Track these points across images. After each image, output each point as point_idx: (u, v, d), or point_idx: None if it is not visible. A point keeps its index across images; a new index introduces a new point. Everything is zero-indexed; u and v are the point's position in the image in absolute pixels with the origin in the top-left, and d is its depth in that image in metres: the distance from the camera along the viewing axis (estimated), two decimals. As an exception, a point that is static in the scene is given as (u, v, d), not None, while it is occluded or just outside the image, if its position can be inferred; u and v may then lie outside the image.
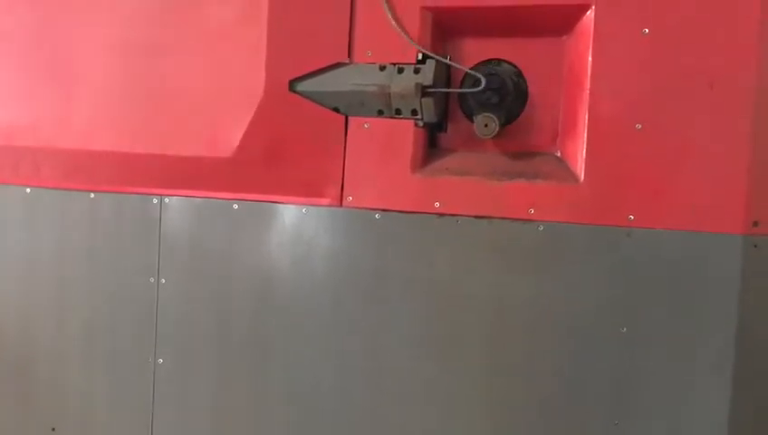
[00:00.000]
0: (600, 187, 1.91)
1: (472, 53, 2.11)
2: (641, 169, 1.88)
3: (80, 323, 2.48)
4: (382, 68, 2.08)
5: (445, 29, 2.09)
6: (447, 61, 2.04)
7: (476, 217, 2.02)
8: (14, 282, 2.57)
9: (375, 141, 2.11)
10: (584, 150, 1.92)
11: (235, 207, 2.26)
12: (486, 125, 1.95)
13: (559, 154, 2.06)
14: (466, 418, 2.07)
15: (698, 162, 1.84)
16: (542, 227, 1.97)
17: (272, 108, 2.16)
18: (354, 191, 2.13)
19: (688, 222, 1.85)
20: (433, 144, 2.19)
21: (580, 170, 1.93)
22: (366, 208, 2.12)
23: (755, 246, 1.83)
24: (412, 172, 2.08)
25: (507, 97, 2.03)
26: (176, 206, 2.33)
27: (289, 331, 2.22)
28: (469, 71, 2.04)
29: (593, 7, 1.90)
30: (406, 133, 2.09)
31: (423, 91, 1.99)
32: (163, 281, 2.35)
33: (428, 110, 2.02)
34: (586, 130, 1.92)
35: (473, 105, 2.07)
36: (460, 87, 2.09)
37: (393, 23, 2.03)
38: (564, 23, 1.99)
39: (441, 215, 2.06)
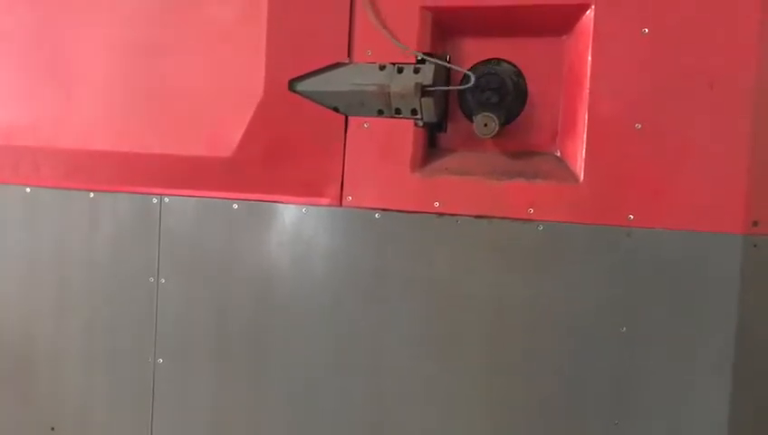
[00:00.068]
0: (600, 186, 1.91)
1: (472, 52, 2.11)
2: (641, 169, 1.88)
3: (79, 322, 2.48)
4: (382, 68, 2.08)
5: (444, 29, 2.09)
6: (441, 62, 2.03)
7: (476, 216, 2.02)
8: (14, 282, 2.57)
9: (375, 141, 2.11)
10: (584, 150, 1.92)
11: (235, 206, 2.26)
12: (486, 125, 1.95)
13: (558, 154, 2.06)
14: (466, 418, 2.07)
15: (698, 162, 1.84)
16: (541, 227, 1.97)
17: (271, 108, 2.16)
18: (354, 191, 2.13)
19: (688, 222, 1.85)
20: (433, 144, 2.19)
21: (580, 170, 1.93)
22: (366, 208, 2.12)
23: (755, 245, 1.83)
24: (412, 172, 2.08)
25: (507, 97, 2.03)
26: (175, 205, 2.33)
27: (289, 331, 2.22)
28: (453, 67, 2.04)
29: (593, 7, 1.90)
30: (405, 133, 2.09)
31: (423, 90, 1.99)
32: (163, 281, 2.36)
33: (428, 109, 2.02)
34: (586, 130, 1.92)
35: (472, 105, 2.07)
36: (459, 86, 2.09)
37: (378, 24, 2.04)
38: (564, 22, 1.99)
39: (441, 214, 2.06)
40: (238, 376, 2.29)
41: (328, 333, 2.18)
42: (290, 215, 2.21)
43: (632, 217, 1.89)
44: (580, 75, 1.95)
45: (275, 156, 2.19)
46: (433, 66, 2.02)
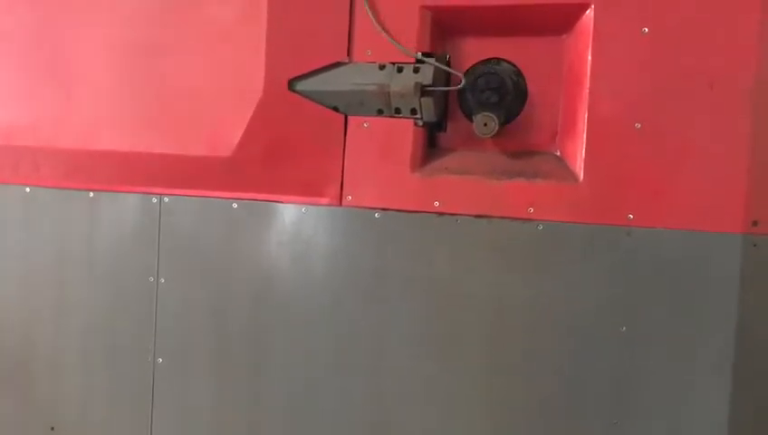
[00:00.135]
0: (600, 186, 1.91)
1: (471, 52, 2.11)
2: (641, 169, 1.88)
3: (79, 322, 2.48)
4: (382, 67, 2.08)
5: (444, 28, 2.09)
6: (436, 63, 2.03)
7: (476, 216, 2.02)
8: (14, 281, 2.57)
9: (374, 141, 2.11)
10: (584, 149, 1.92)
11: (235, 206, 2.26)
12: (486, 124, 1.95)
13: (558, 153, 2.06)
14: (466, 418, 2.07)
15: (698, 162, 1.84)
16: (541, 227, 1.97)
17: (271, 107, 2.16)
18: (354, 190, 2.13)
19: (688, 221, 1.85)
20: (432, 143, 2.19)
21: (580, 169, 1.93)
22: (365, 208, 2.12)
23: (755, 245, 1.82)
24: (412, 171, 2.08)
25: (507, 96, 2.04)
26: (175, 205, 2.33)
27: (288, 330, 2.22)
28: (447, 69, 2.04)
29: (593, 6, 1.90)
30: (405, 132, 2.09)
31: (422, 90, 1.99)
32: (162, 280, 2.35)
33: (428, 109, 2.02)
34: (585, 130, 1.92)
35: (472, 104, 2.07)
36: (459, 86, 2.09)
37: (377, 26, 2.04)
38: (564, 22, 1.99)
39: (441, 214, 2.06)
40: (238, 376, 2.29)
41: (328, 333, 2.18)
42: (290, 214, 2.21)
43: (632, 216, 1.89)
44: (579, 75, 1.95)
45: (275, 155, 2.19)
46: (432, 66, 2.01)
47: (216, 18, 2.23)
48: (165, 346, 2.37)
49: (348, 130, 2.14)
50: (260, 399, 2.27)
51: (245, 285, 2.26)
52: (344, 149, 2.13)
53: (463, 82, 1.99)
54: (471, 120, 2.04)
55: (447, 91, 2.10)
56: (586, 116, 1.92)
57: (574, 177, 1.95)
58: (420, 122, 2.08)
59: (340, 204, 2.15)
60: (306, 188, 2.18)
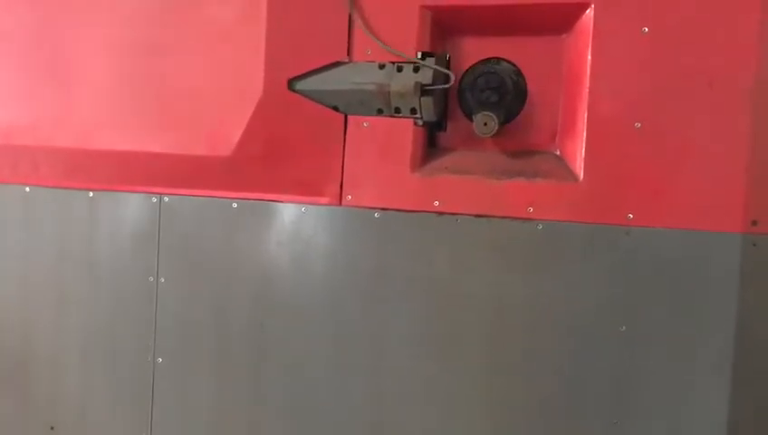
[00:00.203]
0: (600, 185, 1.91)
1: (471, 51, 2.11)
2: (640, 168, 1.88)
3: (79, 322, 2.48)
4: (381, 66, 2.08)
5: (444, 28, 2.09)
6: (430, 64, 2.02)
7: (476, 215, 2.02)
8: (13, 281, 2.57)
9: (374, 140, 2.11)
10: (583, 149, 1.92)
11: (235, 205, 2.26)
12: (486, 124, 1.95)
13: (558, 153, 2.06)
14: (466, 417, 2.06)
15: (698, 161, 1.84)
16: (541, 226, 1.97)
17: (271, 107, 2.16)
18: (353, 190, 2.13)
19: (688, 221, 1.85)
20: (432, 143, 2.19)
21: (580, 169, 1.93)
22: (365, 207, 2.12)
23: (754, 244, 1.83)
24: (411, 171, 2.08)
25: (506, 96, 2.04)
26: (175, 205, 2.33)
27: (288, 330, 2.22)
28: (442, 70, 2.03)
29: (593, 6, 1.90)
30: (405, 132, 2.09)
31: (422, 89, 1.99)
32: (162, 280, 2.35)
33: (428, 108, 2.02)
34: (585, 129, 1.92)
35: (472, 104, 2.07)
36: (459, 85, 2.09)
37: (363, 26, 2.05)
38: (564, 21, 1.99)
39: (440, 214, 2.06)
40: (238, 376, 2.28)
41: (328, 333, 2.18)
42: (289, 214, 2.21)
43: (632, 216, 1.89)
44: (579, 74, 1.95)
45: (275, 155, 2.19)
46: (432, 65, 2.01)
47: (215, 18, 2.23)
48: (165, 346, 2.37)
49: (348, 130, 2.14)
50: (260, 398, 2.27)
51: (245, 285, 2.26)
52: (344, 149, 2.13)
53: (452, 78, 1.98)
54: (471, 120, 2.04)
55: (447, 91, 2.10)
56: (586, 116, 1.92)
57: (574, 176, 1.95)
58: (420, 122, 2.08)
59: (340, 203, 2.15)
60: (306, 188, 2.18)
